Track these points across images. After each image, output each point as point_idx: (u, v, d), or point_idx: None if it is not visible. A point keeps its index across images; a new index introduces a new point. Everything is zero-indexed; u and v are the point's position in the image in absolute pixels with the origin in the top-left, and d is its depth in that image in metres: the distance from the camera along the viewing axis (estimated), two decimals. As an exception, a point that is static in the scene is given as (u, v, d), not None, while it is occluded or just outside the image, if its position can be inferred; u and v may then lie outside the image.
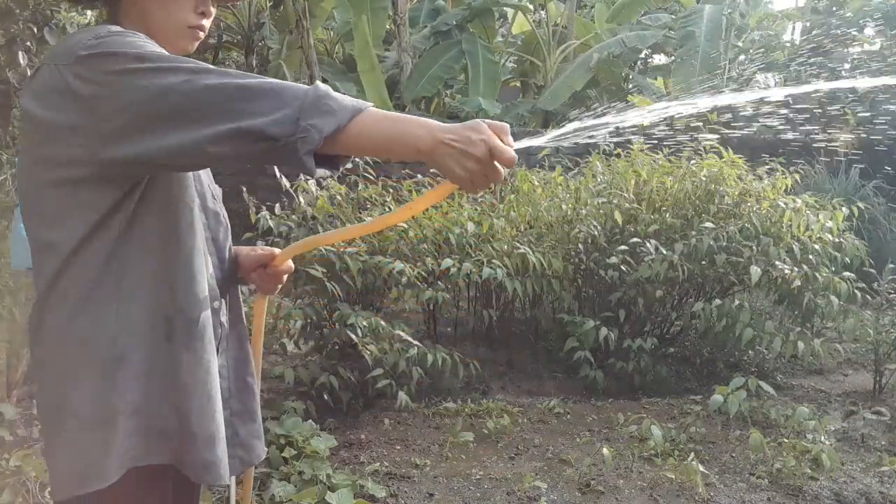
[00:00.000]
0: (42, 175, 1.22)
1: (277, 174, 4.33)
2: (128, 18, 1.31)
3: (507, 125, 1.17)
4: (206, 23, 1.37)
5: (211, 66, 1.17)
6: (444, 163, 1.13)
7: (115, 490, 1.23)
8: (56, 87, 1.17)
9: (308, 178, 4.42)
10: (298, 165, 1.13)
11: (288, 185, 4.32)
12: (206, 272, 1.36)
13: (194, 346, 1.30)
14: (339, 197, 4.43)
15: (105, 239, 1.22)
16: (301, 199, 4.29)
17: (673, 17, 10.19)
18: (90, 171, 1.19)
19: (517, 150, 1.17)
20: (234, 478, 1.87)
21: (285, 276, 1.60)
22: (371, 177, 4.77)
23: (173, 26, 1.32)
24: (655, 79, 9.97)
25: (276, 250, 1.57)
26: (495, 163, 1.12)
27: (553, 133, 1.36)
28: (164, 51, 1.20)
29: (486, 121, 1.15)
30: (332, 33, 11.06)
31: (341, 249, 3.94)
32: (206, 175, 1.45)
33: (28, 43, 3.96)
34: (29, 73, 4.03)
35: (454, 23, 9.01)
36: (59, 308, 1.23)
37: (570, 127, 1.37)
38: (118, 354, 1.23)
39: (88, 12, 5.00)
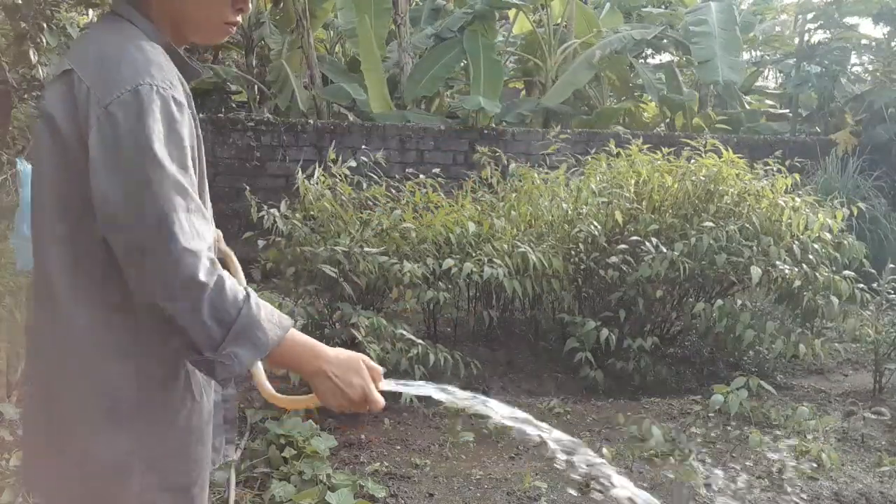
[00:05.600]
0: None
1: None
2: (154, 8, 1.29)
3: (382, 370, 1.30)
4: (241, 18, 1.37)
5: (197, 223, 1.15)
6: (320, 389, 1.24)
7: None
8: (80, 101, 1.18)
9: (315, 177, 4.44)
10: (211, 378, 1.22)
11: (300, 181, 4.34)
12: None
13: (210, 389, 1.36)
14: (343, 197, 4.43)
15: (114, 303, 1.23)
16: (311, 197, 4.29)
17: (672, 11, 10.15)
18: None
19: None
20: (233, 475, 1.89)
21: None
22: (374, 177, 4.78)
23: (212, 22, 1.33)
24: (658, 77, 9.95)
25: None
26: (368, 406, 1.26)
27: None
28: (185, 153, 1.19)
29: (367, 362, 1.27)
30: (332, 33, 11.04)
31: (353, 249, 3.95)
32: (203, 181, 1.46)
33: (38, 40, 3.97)
34: (38, 71, 4.04)
35: (457, 27, 9.00)
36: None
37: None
38: (142, 402, 1.24)
39: (90, 11, 5.01)
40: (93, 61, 1.20)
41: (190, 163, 1.19)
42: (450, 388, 1.41)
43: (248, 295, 1.16)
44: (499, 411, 1.38)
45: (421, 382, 1.44)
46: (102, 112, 1.14)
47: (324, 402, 1.25)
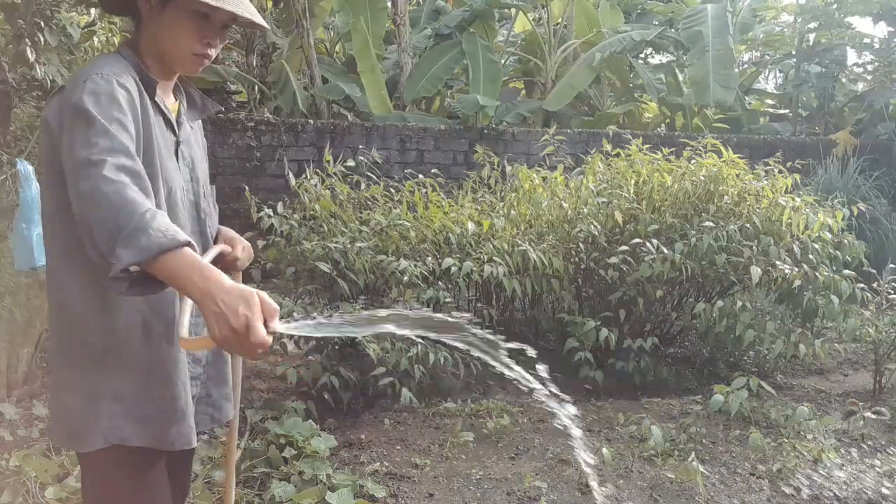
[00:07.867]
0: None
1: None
2: (144, 40, 1.58)
3: (278, 309, 1.27)
4: (213, 51, 1.58)
5: (120, 159, 1.35)
6: (206, 316, 1.24)
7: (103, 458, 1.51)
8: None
9: (311, 177, 4.45)
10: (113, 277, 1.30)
11: (294, 182, 4.33)
12: None
13: (172, 339, 1.53)
14: (341, 196, 4.43)
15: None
16: (306, 199, 4.29)
17: (673, 8, 10.14)
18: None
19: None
20: (233, 475, 1.90)
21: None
22: (374, 177, 4.78)
23: (183, 55, 1.56)
24: (658, 76, 9.94)
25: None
26: (251, 339, 1.20)
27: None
28: (113, 126, 1.39)
29: (263, 297, 1.25)
30: (332, 33, 11.04)
31: (347, 246, 3.95)
32: (202, 174, 1.71)
33: (36, 39, 3.97)
34: (36, 70, 4.05)
35: (455, 24, 9.00)
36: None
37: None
38: (107, 347, 1.49)
39: (93, 10, 5.01)
40: (75, 75, 1.51)
41: (131, 127, 1.42)
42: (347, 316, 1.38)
43: (147, 210, 1.28)
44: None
45: (317, 321, 1.35)
46: (68, 102, 1.42)
47: (210, 332, 1.23)
